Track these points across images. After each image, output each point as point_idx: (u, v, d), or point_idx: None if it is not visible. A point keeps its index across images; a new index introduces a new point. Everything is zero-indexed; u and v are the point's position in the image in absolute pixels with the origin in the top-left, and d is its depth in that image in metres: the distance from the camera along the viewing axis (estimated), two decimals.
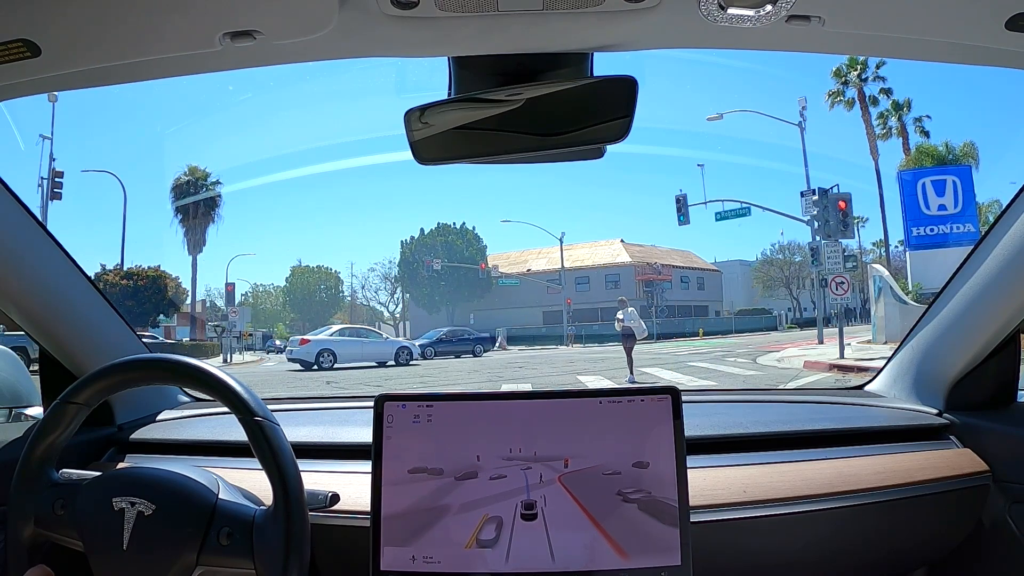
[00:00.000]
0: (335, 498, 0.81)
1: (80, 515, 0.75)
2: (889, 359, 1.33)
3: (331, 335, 16.13)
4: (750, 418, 1.13)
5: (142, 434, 1.19)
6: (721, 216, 19.88)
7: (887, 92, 21.37)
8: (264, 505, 0.77)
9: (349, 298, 38.99)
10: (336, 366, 14.51)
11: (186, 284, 25.30)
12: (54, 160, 18.32)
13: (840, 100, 21.68)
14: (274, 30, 0.71)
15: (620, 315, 10.18)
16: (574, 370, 11.50)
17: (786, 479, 0.97)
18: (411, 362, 15.70)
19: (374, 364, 15.20)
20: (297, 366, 14.94)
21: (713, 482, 0.96)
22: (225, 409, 0.76)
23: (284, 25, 0.70)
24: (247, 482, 0.85)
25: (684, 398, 0.86)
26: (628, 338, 10.11)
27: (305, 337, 16.10)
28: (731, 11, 0.68)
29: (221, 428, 1.16)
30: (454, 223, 34.95)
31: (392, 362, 15.61)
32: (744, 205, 19.94)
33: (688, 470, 0.83)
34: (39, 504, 0.76)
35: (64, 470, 0.82)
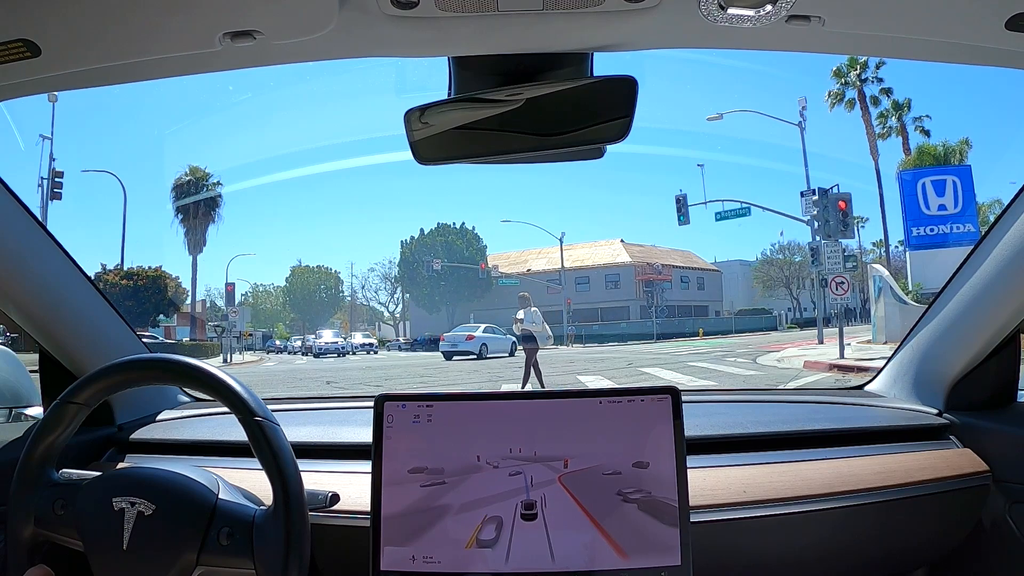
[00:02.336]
0: (335, 498, 0.81)
1: (80, 515, 0.75)
2: (889, 359, 1.33)
3: (483, 332, 19.62)
4: (750, 418, 1.13)
5: (142, 434, 1.19)
6: (721, 216, 19.90)
7: (887, 92, 21.40)
8: (264, 505, 0.77)
9: (349, 298, 39.04)
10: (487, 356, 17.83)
11: (186, 284, 25.36)
12: (54, 160, 18.34)
13: (840, 100, 21.70)
14: (274, 30, 0.71)
15: (520, 315, 8.16)
16: (574, 370, 11.50)
17: (786, 479, 0.97)
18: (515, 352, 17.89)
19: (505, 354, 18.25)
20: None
21: (713, 482, 0.96)
22: (225, 409, 0.76)
23: (284, 25, 0.70)
24: (247, 482, 0.85)
25: (684, 398, 0.86)
26: (529, 341, 8.14)
27: (471, 334, 19.71)
28: (731, 11, 0.68)
29: (221, 428, 1.16)
30: (454, 223, 34.98)
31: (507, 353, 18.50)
32: (744, 205, 19.97)
33: (688, 470, 0.83)
34: (39, 504, 0.76)
35: (64, 470, 0.82)
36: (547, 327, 8.49)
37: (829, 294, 12.15)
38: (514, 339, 18.28)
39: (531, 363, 8.12)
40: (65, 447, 0.80)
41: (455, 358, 17.12)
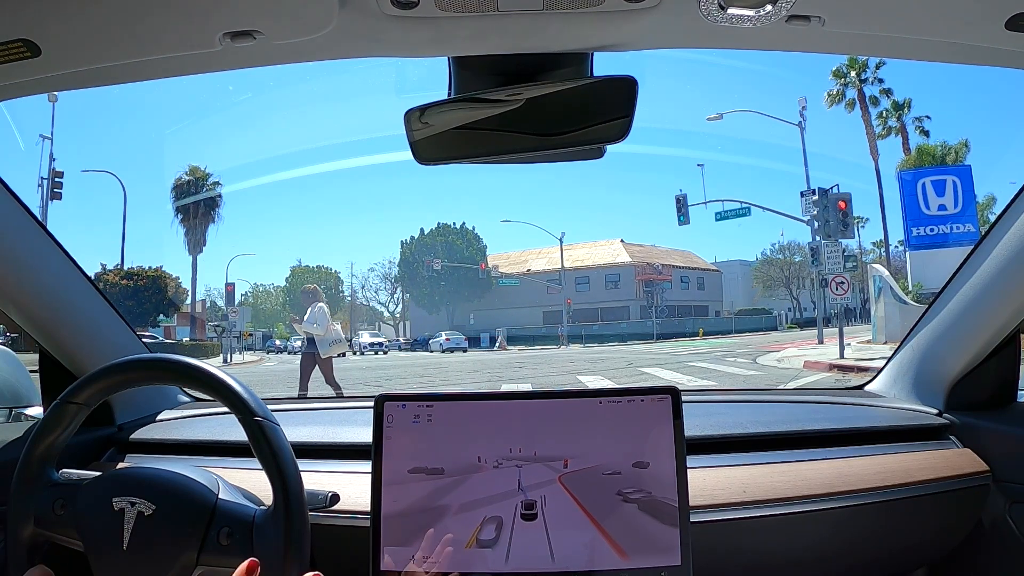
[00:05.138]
0: (335, 498, 0.82)
1: (80, 515, 0.75)
2: (889, 359, 1.33)
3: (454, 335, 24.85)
4: (750, 418, 1.13)
5: (142, 434, 1.19)
6: (721, 216, 19.92)
7: (887, 92, 21.41)
8: (264, 505, 0.77)
9: (349, 298, 39.06)
10: None
11: (186, 284, 25.36)
12: (54, 160, 18.34)
13: (840, 100, 21.71)
14: (274, 30, 0.71)
15: (306, 314, 6.49)
16: (574, 370, 11.50)
17: (786, 479, 0.97)
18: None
19: None
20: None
21: (713, 482, 0.96)
22: (225, 409, 0.76)
23: (284, 25, 0.70)
24: (247, 482, 0.85)
25: (684, 398, 0.85)
26: (308, 344, 6.44)
27: (448, 336, 25.09)
28: (731, 11, 0.68)
29: (221, 428, 1.16)
30: (454, 223, 35.01)
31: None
32: (744, 205, 19.99)
33: (688, 470, 0.83)
34: (39, 504, 0.76)
35: (64, 470, 0.82)
36: (335, 329, 6.61)
37: (829, 294, 12.15)
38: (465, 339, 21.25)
39: (306, 375, 6.40)
40: (65, 447, 0.79)
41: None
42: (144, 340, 1.37)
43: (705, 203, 19.98)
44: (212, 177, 25.59)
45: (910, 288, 13.39)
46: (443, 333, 26.58)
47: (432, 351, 24.55)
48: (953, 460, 1.04)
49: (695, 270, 35.82)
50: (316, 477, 0.93)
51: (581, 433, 0.84)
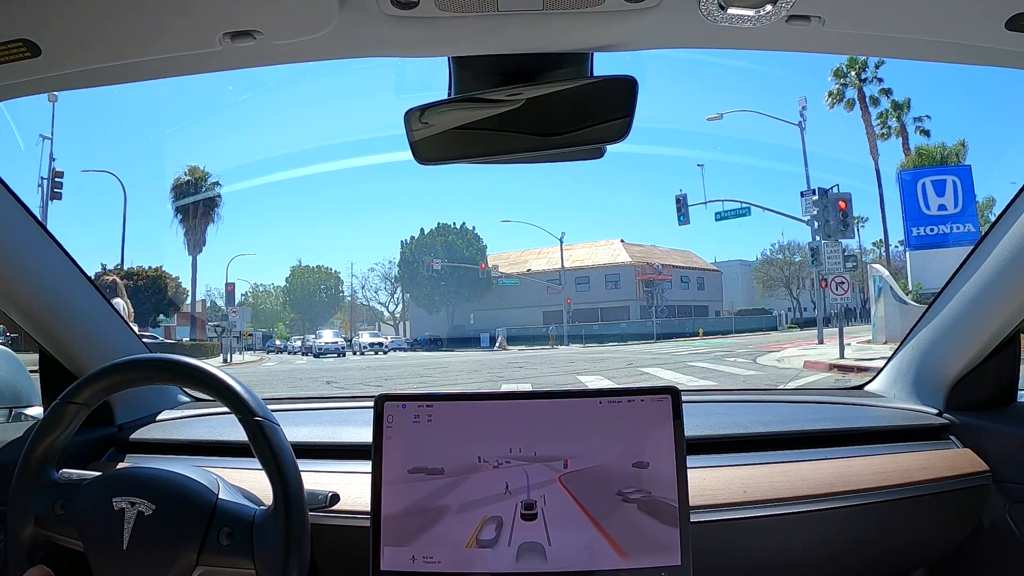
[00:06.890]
0: (335, 498, 0.82)
1: (80, 515, 0.75)
2: (889, 359, 1.33)
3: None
4: (750, 418, 1.13)
5: (142, 434, 1.19)
6: (721, 216, 19.94)
7: (887, 92, 21.42)
8: (264, 505, 0.77)
9: (349, 298, 39.09)
10: None
11: (186, 284, 25.38)
12: (54, 160, 18.34)
13: (840, 100, 21.72)
14: (274, 30, 0.71)
15: None
16: (574, 370, 11.50)
17: (786, 479, 0.97)
18: None
19: None
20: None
21: (713, 482, 0.96)
22: (225, 409, 0.76)
23: (284, 25, 0.70)
24: (247, 482, 0.85)
25: (684, 398, 0.86)
26: None
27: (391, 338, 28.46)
28: (731, 11, 0.68)
29: (221, 428, 1.16)
30: (454, 223, 35.01)
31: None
32: (744, 205, 20.02)
33: (688, 470, 0.83)
34: (39, 504, 0.76)
35: (64, 470, 0.82)
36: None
37: (829, 294, 12.15)
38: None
39: None
40: (65, 447, 0.80)
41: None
42: (144, 340, 1.37)
43: (705, 203, 20.02)
44: (212, 177, 25.68)
45: (910, 288, 13.38)
46: (390, 338, 33.02)
47: (388, 351, 27.95)
48: (953, 460, 1.04)
49: (695, 270, 35.82)
50: (316, 477, 0.93)
51: (581, 433, 0.84)
